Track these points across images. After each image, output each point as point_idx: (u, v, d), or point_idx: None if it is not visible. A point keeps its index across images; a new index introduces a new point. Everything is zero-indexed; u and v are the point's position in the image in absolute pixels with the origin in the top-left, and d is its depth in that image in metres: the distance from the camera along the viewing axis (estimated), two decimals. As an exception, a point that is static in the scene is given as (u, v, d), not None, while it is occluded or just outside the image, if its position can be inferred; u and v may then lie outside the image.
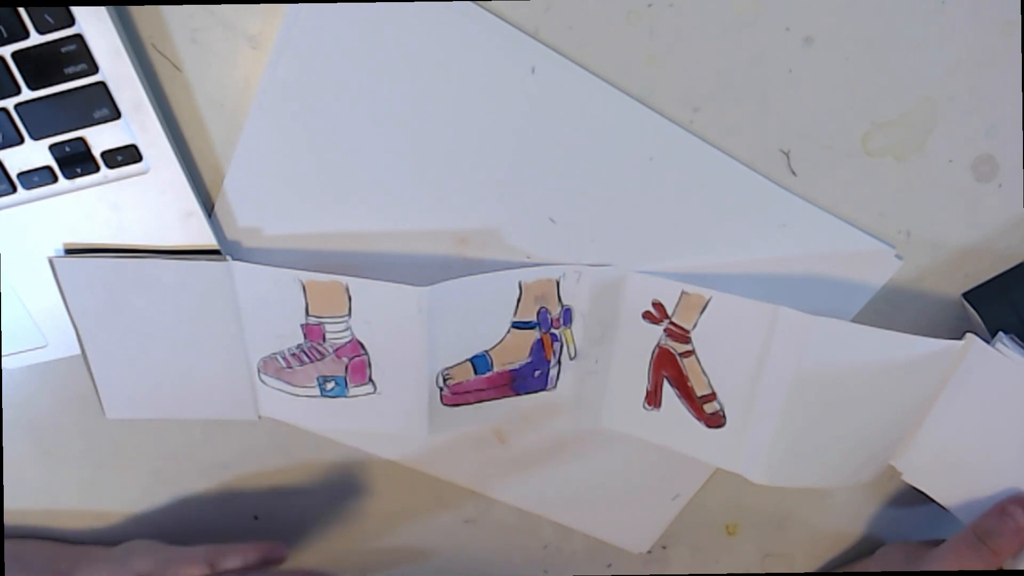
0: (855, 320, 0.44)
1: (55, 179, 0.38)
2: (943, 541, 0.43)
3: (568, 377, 0.46)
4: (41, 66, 0.35)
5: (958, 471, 0.44)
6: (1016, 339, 0.41)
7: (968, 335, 0.41)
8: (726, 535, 0.53)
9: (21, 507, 0.49)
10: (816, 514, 0.52)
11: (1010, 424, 0.41)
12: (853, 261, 0.43)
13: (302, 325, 0.42)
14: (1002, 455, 0.42)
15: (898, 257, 0.43)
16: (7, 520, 0.50)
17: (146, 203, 0.39)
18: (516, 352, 0.44)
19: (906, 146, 0.41)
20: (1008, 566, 0.42)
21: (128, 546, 0.46)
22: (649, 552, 0.54)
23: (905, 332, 0.40)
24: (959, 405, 0.42)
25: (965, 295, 0.44)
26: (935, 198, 0.42)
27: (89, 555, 0.47)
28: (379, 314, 0.42)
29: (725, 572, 0.55)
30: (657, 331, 0.44)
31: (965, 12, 0.38)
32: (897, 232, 0.43)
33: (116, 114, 0.37)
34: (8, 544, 0.47)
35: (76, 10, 0.34)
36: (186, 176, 0.39)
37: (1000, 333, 0.41)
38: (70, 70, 0.35)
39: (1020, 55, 0.39)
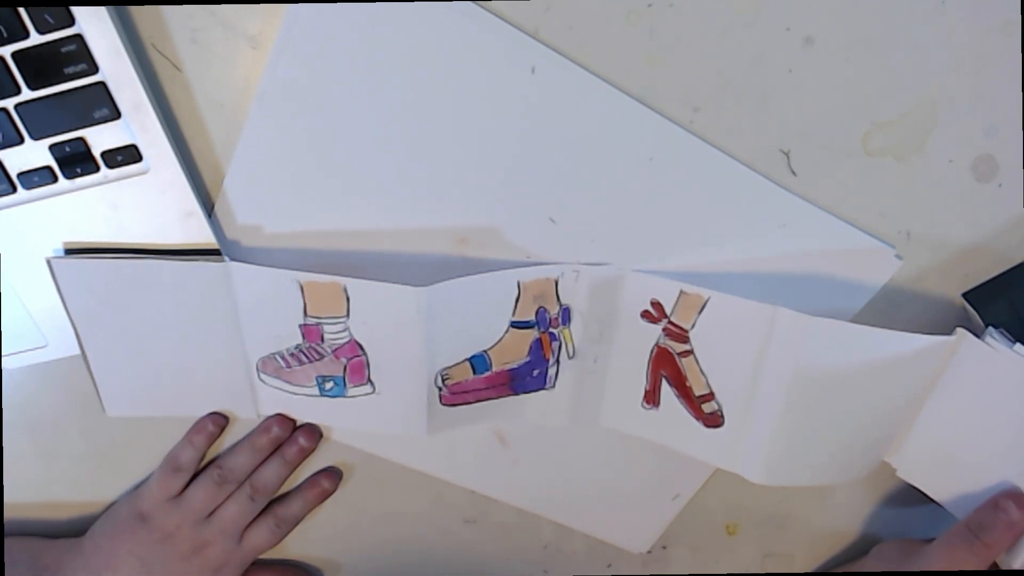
0: (855, 320, 0.44)
1: (55, 179, 0.38)
2: (939, 538, 0.43)
3: (567, 376, 0.46)
4: (41, 66, 0.35)
5: (952, 466, 0.44)
6: (1006, 333, 0.41)
7: (959, 330, 0.41)
8: (726, 535, 0.53)
9: (21, 507, 0.49)
10: (816, 514, 0.52)
11: (1001, 417, 0.41)
12: (853, 261, 0.43)
13: (300, 326, 0.42)
14: (994, 448, 0.42)
15: (898, 257, 0.43)
16: (7, 519, 0.50)
17: (146, 203, 0.39)
18: (515, 351, 0.44)
19: (906, 146, 0.41)
20: (1002, 560, 0.42)
21: (119, 519, 0.47)
22: (649, 552, 0.54)
23: (905, 332, 0.41)
24: (952, 399, 0.42)
25: (965, 295, 0.44)
26: (935, 198, 0.42)
27: (71, 547, 0.47)
28: (377, 314, 0.42)
29: (725, 572, 0.55)
30: (656, 330, 0.44)
31: (965, 12, 0.38)
32: (897, 232, 0.43)
33: (116, 114, 0.37)
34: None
35: (76, 10, 0.34)
36: (186, 176, 0.39)
37: (990, 327, 0.41)
38: (70, 70, 0.36)
39: (1020, 55, 0.39)
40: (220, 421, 0.46)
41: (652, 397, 0.46)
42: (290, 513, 0.48)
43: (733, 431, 0.44)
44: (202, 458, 0.47)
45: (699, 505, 0.52)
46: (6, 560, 0.47)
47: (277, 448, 0.47)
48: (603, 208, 0.42)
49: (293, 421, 0.46)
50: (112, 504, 0.49)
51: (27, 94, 0.36)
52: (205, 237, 0.41)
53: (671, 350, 0.44)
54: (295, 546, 0.53)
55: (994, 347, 0.40)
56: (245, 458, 0.46)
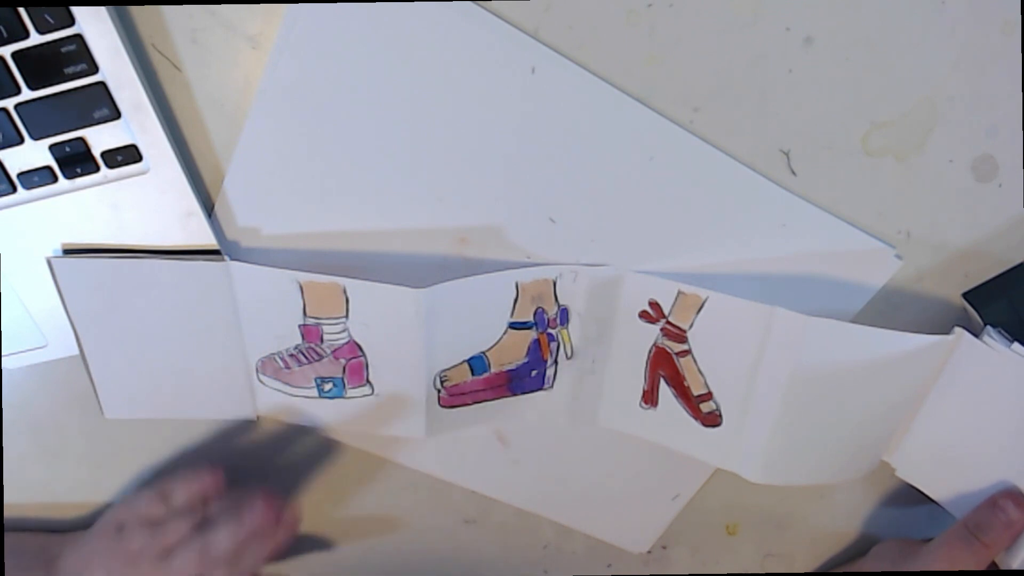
0: (855, 320, 0.44)
1: (55, 179, 0.38)
2: (938, 538, 0.44)
3: (565, 376, 0.46)
4: (41, 66, 0.35)
5: (950, 465, 0.44)
6: (1004, 332, 0.41)
7: (957, 329, 0.41)
8: (726, 535, 0.53)
9: (21, 507, 0.49)
10: (816, 514, 0.52)
11: (1000, 417, 0.41)
12: (853, 261, 0.43)
13: (300, 326, 0.42)
14: (993, 448, 0.42)
15: (898, 257, 0.43)
16: (7, 518, 0.50)
17: (146, 203, 0.39)
18: (513, 352, 0.44)
19: (906, 146, 0.41)
20: (1000, 559, 0.42)
21: (105, 521, 0.46)
22: (649, 552, 0.54)
23: (905, 332, 0.41)
24: (950, 399, 0.43)
25: (965, 295, 0.44)
26: (935, 198, 0.42)
27: (74, 539, 0.47)
28: (376, 316, 0.42)
29: (725, 572, 0.55)
30: (654, 330, 0.44)
31: (965, 12, 0.38)
32: (897, 232, 0.43)
33: (116, 114, 0.37)
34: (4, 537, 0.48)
35: (76, 10, 0.34)
36: (186, 176, 0.39)
37: (988, 327, 0.41)
38: (70, 70, 0.36)
39: (1020, 55, 0.39)
40: (220, 481, 0.45)
41: (650, 397, 0.46)
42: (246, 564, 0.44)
43: (731, 430, 0.44)
44: (192, 503, 0.45)
45: (699, 505, 0.52)
46: (18, 552, 0.47)
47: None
48: (603, 208, 0.42)
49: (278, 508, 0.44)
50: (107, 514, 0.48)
51: (27, 94, 0.36)
52: (205, 237, 0.41)
53: (669, 350, 0.44)
54: (295, 546, 0.53)
55: (992, 347, 0.40)
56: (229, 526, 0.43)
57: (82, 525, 0.49)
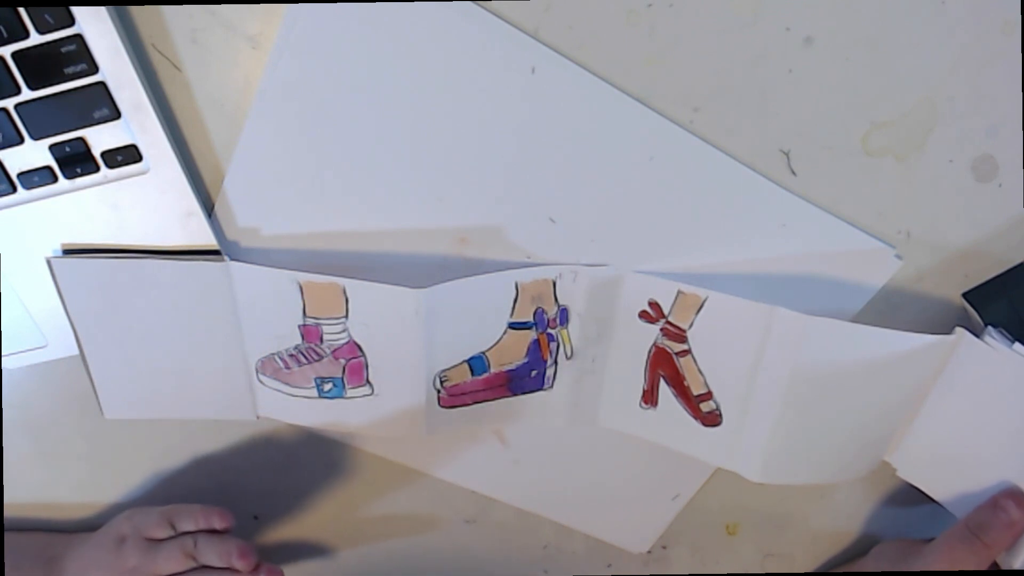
0: (855, 320, 0.44)
1: (55, 179, 0.38)
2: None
3: (565, 377, 0.46)
4: (41, 66, 0.35)
5: (951, 465, 0.44)
6: (1005, 332, 0.41)
7: (958, 329, 0.41)
8: (726, 535, 0.53)
9: (21, 507, 0.50)
10: (816, 514, 0.52)
11: (1001, 416, 0.41)
12: (853, 261, 0.43)
13: (299, 326, 0.42)
14: (994, 447, 0.42)
15: (898, 257, 0.43)
16: (7, 518, 0.50)
17: (146, 203, 0.39)
18: (513, 353, 0.44)
19: (906, 146, 0.41)
20: (1001, 559, 0.42)
21: (110, 530, 0.46)
22: (649, 552, 0.54)
23: (905, 332, 0.41)
24: (951, 399, 0.42)
25: (965, 295, 0.44)
26: (935, 198, 0.42)
27: (79, 539, 0.47)
28: (376, 316, 0.42)
29: (725, 572, 0.55)
30: (653, 330, 0.44)
31: (965, 12, 0.38)
32: (897, 232, 0.43)
33: (116, 114, 0.37)
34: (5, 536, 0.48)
35: (76, 10, 0.34)
36: (186, 176, 0.39)
37: (988, 327, 0.41)
38: (70, 70, 0.36)
39: (1020, 55, 0.39)
40: (228, 522, 0.45)
41: (650, 397, 0.46)
42: None
43: (731, 430, 0.44)
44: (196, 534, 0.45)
45: (699, 505, 0.52)
46: (16, 552, 0.47)
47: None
48: (603, 208, 0.42)
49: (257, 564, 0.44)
50: (126, 509, 0.48)
51: (27, 94, 0.36)
52: (205, 237, 0.41)
53: (669, 350, 0.44)
54: (295, 547, 0.53)
55: (993, 346, 0.40)
56: (215, 552, 0.44)
57: (82, 526, 0.49)
